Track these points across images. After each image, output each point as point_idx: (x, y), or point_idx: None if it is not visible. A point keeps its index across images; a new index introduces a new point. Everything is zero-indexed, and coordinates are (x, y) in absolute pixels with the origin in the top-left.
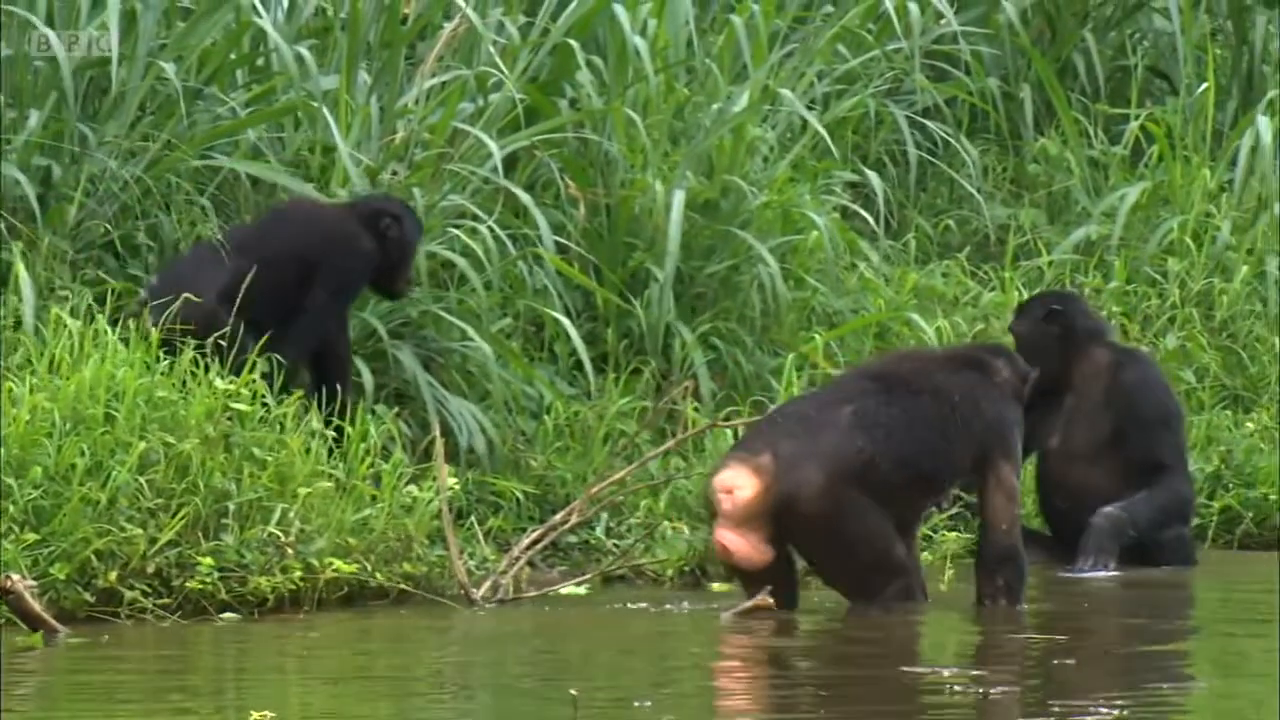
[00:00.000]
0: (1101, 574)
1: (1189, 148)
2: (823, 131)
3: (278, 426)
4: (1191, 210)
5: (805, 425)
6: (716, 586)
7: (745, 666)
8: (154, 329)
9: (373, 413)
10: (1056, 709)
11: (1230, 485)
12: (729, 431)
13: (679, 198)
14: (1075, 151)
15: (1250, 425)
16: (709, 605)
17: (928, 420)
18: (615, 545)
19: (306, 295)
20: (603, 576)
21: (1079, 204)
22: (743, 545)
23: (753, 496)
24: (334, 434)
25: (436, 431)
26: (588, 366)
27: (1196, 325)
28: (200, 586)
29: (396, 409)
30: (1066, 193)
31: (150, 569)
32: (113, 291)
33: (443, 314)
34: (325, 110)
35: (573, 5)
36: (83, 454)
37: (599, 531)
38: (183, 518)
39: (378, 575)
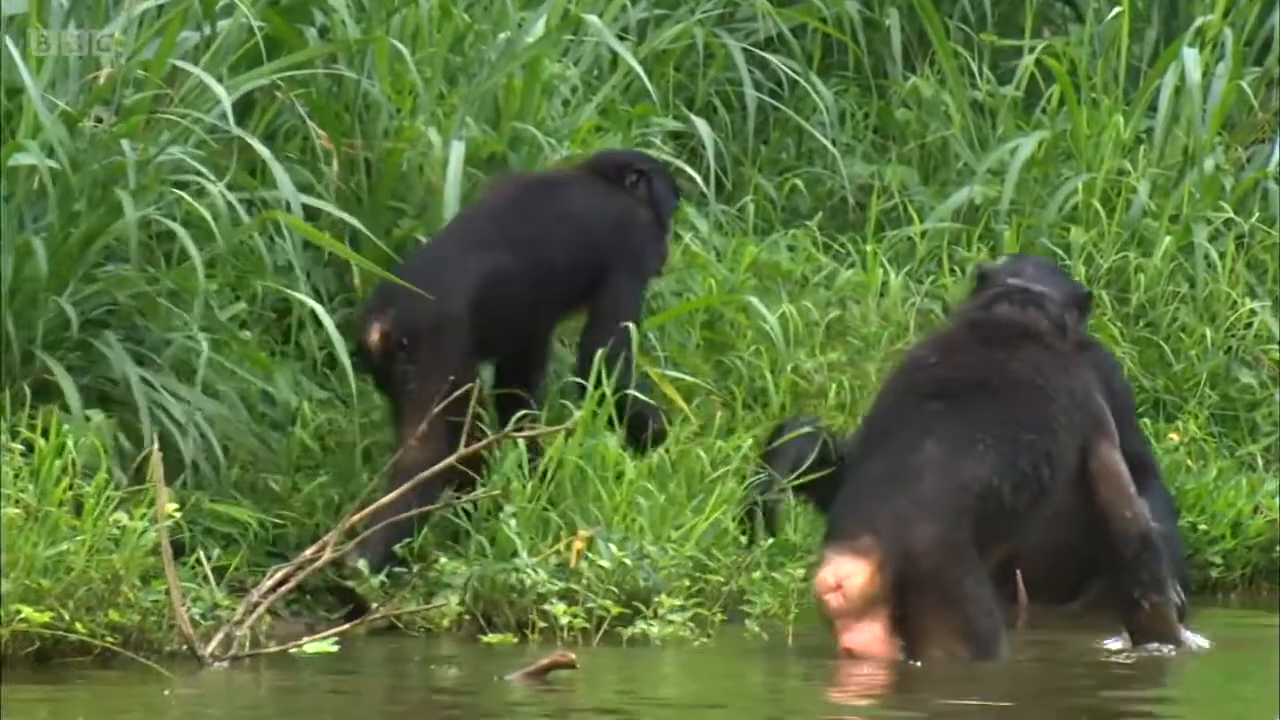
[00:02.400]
0: None
1: (1097, 89)
2: (638, 68)
3: None
4: (1101, 167)
5: (893, 482)
6: (495, 639)
7: None
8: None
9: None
10: None
11: None
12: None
13: (458, 150)
14: (955, 93)
15: (1174, 437)
16: (488, 667)
17: (1023, 419)
18: (382, 587)
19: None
20: (365, 627)
21: (959, 159)
22: (873, 643)
23: (867, 580)
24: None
25: (155, 445)
26: (345, 364)
27: (1107, 311)
28: None
29: (103, 415)
30: (944, 145)
31: None
32: None
33: (159, 297)
34: (9, 41)
35: None
36: None
37: (363, 569)
38: None
39: (77, 626)
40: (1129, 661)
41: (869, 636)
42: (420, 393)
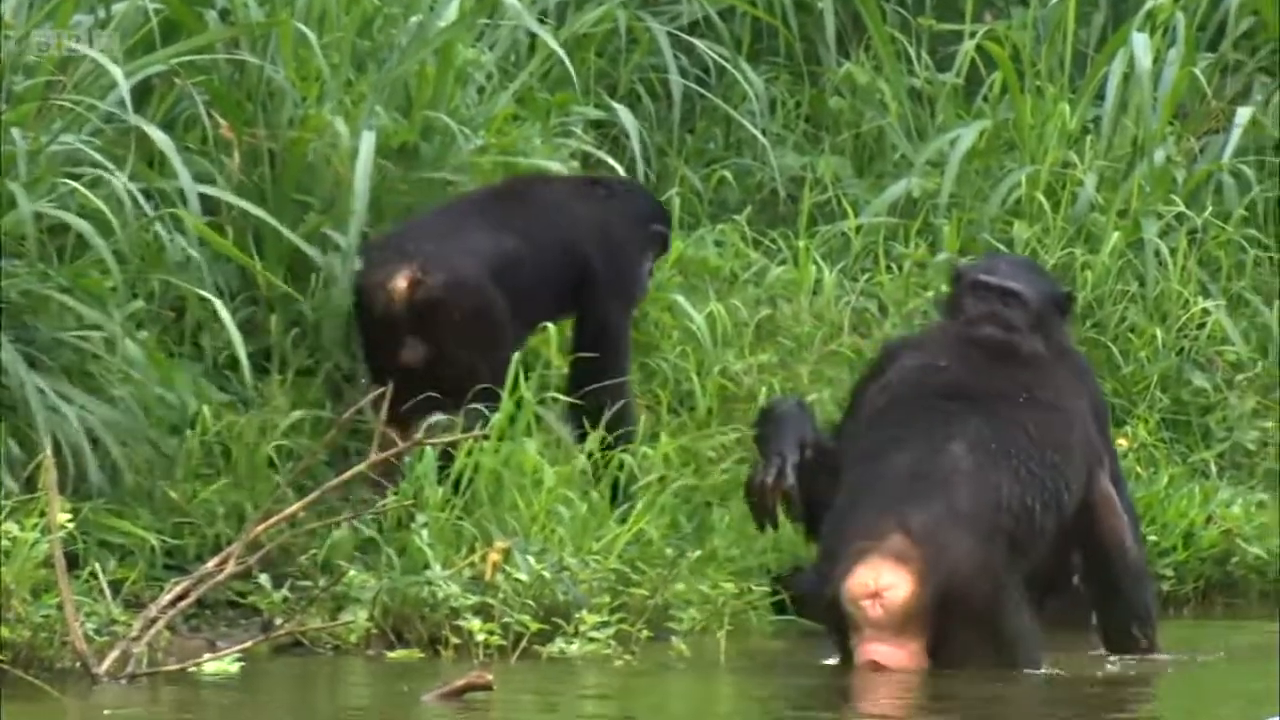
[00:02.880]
0: None
1: (1041, 76)
2: (560, 51)
3: None
4: (1045, 159)
5: (923, 482)
6: (400, 654)
7: None
8: None
9: None
10: None
11: None
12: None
13: (367, 141)
14: (891, 80)
15: (1123, 443)
16: (399, 687)
17: (1046, 438)
18: (287, 602)
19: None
20: (268, 645)
21: (896, 150)
22: (904, 659)
23: (910, 595)
24: None
25: (48, 452)
26: (245, 365)
27: None
28: None
29: None
30: (880, 135)
31: None
32: None
33: (53, 294)
34: None
35: None
36: None
37: (266, 583)
38: None
39: None
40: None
41: (903, 654)
42: (466, 359)
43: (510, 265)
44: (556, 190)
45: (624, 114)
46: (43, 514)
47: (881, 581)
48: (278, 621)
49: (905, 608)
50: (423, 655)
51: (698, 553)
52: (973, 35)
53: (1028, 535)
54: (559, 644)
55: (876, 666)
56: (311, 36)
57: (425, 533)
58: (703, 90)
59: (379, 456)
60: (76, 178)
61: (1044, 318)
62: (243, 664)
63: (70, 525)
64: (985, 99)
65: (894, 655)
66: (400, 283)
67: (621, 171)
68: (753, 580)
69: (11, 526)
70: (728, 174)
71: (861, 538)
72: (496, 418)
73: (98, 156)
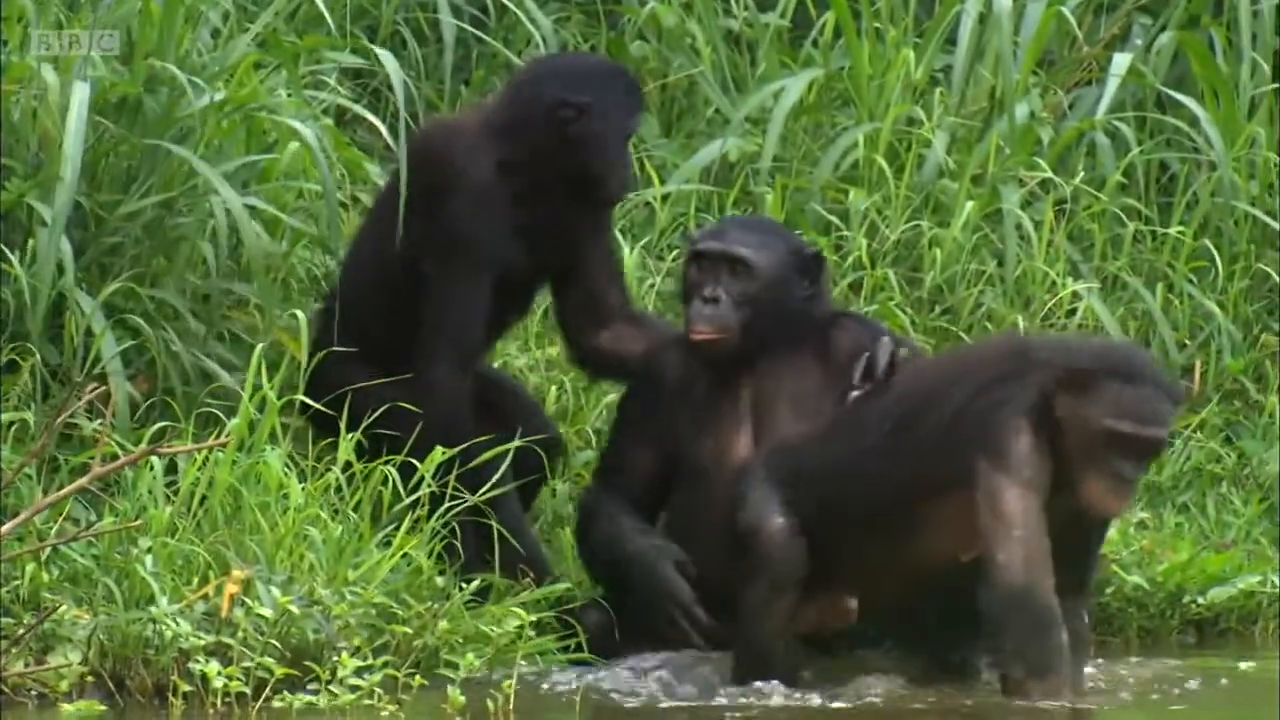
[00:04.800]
0: None
1: (881, 17)
2: None
3: None
4: (886, 116)
5: None
6: (75, 707)
7: None
8: None
9: None
10: None
11: None
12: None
13: (81, 94)
14: (704, 22)
15: None
16: None
17: None
18: None
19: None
20: None
21: (710, 105)
22: None
23: None
24: None
25: None
26: None
27: (894, 293)
28: None
29: None
30: (690, 87)
31: None
32: None
33: None
34: None
35: None
36: None
37: None
38: None
39: None
40: None
41: None
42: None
43: None
44: None
45: (387, 60)
46: None
47: None
48: None
49: None
50: (104, 708)
51: (475, 582)
52: None
53: None
54: (310, 693)
55: None
56: None
57: (149, 560)
58: (480, 33)
59: (105, 469)
60: None
61: (780, 285)
62: None
63: None
64: (815, 44)
65: None
66: None
67: (383, 129)
68: (543, 614)
69: None
70: None
71: None
72: (235, 422)
73: None
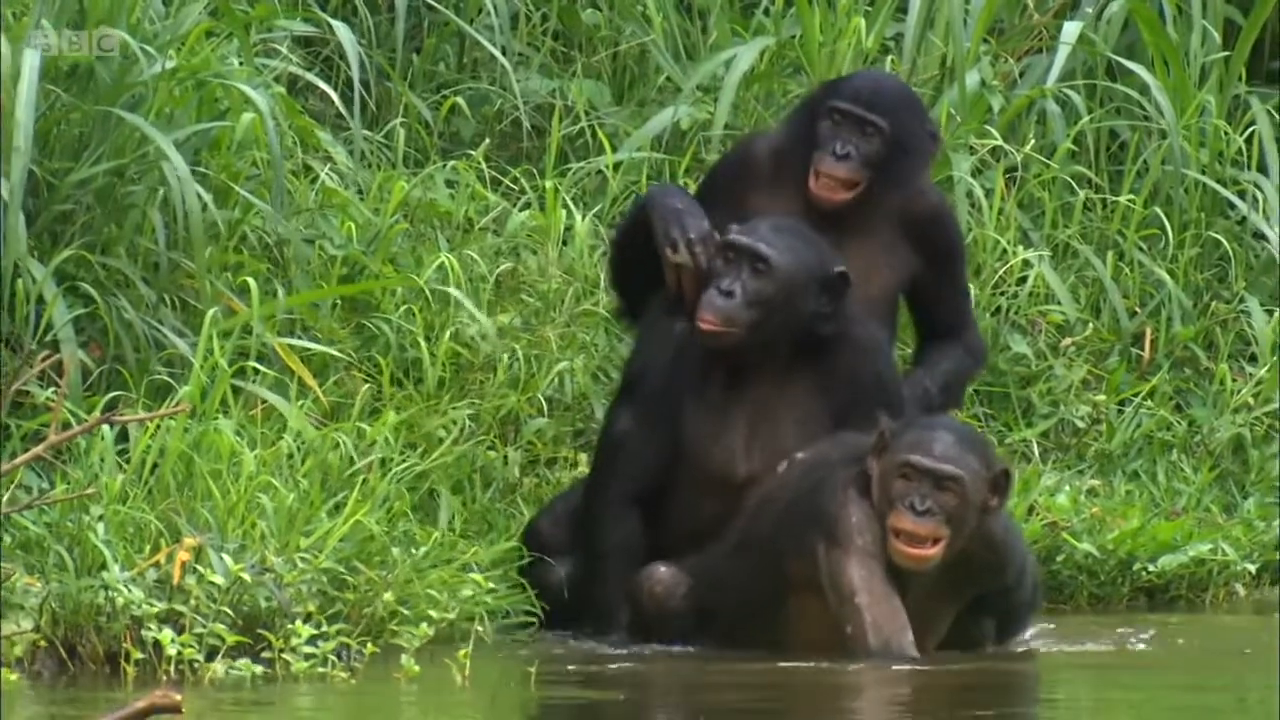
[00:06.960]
0: None
1: None
2: None
3: None
4: None
5: None
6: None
7: None
8: None
9: None
10: None
11: None
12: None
13: (32, 61)
14: None
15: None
16: (66, 713)
17: None
18: None
19: None
20: None
21: (661, 73)
22: None
23: None
24: None
25: None
26: None
27: None
28: None
29: None
30: (642, 55)
31: None
32: None
33: None
34: None
35: None
36: None
37: None
38: None
39: None
40: None
41: None
42: None
43: None
44: None
45: (339, 29)
46: None
47: None
48: None
49: None
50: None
51: (424, 548)
52: None
53: None
54: (262, 660)
55: None
56: None
57: (101, 527)
58: (432, 2)
59: (59, 438)
60: None
61: (797, 294)
62: None
63: None
64: (766, 12)
65: None
66: None
67: (335, 97)
68: (498, 580)
69: None
70: (461, 101)
71: None
72: (187, 389)
73: None
